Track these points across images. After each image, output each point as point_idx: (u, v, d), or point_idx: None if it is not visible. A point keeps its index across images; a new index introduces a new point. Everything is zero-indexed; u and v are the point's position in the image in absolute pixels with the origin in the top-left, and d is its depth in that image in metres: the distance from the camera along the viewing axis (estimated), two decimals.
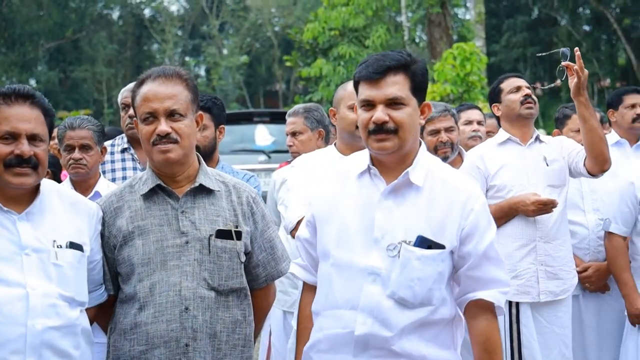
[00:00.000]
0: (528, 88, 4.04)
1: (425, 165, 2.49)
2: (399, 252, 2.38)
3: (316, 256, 2.60)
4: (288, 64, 17.90)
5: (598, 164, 3.73)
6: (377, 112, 2.40)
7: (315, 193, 2.63)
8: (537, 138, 4.05)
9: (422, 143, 2.55)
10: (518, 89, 4.09)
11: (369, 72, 2.42)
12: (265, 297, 2.83)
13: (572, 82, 3.61)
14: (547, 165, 3.92)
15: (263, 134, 9.72)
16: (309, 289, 2.67)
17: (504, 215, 3.87)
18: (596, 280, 4.23)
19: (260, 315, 2.81)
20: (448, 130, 4.24)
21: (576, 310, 4.16)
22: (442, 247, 2.40)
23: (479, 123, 4.97)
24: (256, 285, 2.76)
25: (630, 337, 3.98)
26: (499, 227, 3.87)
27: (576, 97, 3.65)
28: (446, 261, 2.44)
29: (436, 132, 4.25)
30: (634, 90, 5.55)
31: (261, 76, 40.14)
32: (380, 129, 2.40)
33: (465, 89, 12.33)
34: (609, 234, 4.06)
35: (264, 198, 3.51)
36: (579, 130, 4.17)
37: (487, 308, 2.47)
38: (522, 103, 3.99)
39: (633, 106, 5.10)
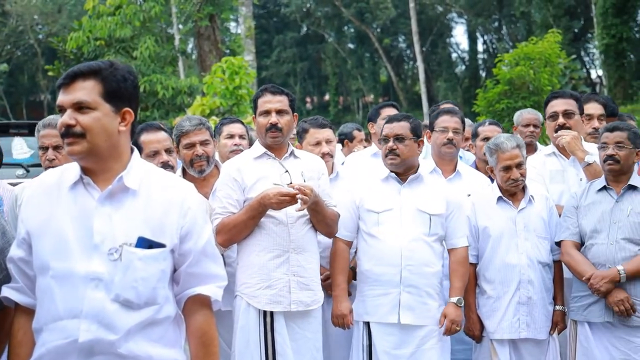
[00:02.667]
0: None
1: (140, 169, 2.53)
2: (120, 255, 2.40)
3: (33, 274, 2.51)
4: (51, 73, 17.01)
5: None
6: (64, 116, 2.44)
7: (26, 210, 2.55)
8: (292, 153, 4.14)
9: (135, 149, 2.58)
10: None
11: (62, 78, 2.47)
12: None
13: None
14: (304, 180, 4.02)
15: (21, 147, 9.16)
16: (23, 312, 2.56)
17: (257, 214, 3.91)
18: None
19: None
20: (203, 143, 4.25)
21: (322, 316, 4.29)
22: (162, 246, 2.47)
23: (241, 137, 5.00)
24: None
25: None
26: (253, 236, 3.98)
27: None
28: (168, 260, 2.50)
29: (191, 145, 4.24)
30: (390, 104, 5.91)
31: (23, 85, 37.91)
32: (67, 133, 2.43)
33: (234, 102, 12.45)
34: (334, 238, 4.27)
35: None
36: (316, 143, 4.55)
37: (204, 303, 2.57)
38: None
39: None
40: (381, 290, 4.12)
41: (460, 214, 4.24)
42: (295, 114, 4.18)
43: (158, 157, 4.16)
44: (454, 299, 4.15)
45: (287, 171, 3.92)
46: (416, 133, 4.21)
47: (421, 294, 4.10)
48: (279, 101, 4.07)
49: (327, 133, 4.69)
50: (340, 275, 4.22)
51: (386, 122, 4.31)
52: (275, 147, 4.08)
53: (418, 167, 4.26)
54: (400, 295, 4.08)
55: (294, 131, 4.88)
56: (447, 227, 4.21)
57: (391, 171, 4.23)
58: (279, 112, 4.05)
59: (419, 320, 4.10)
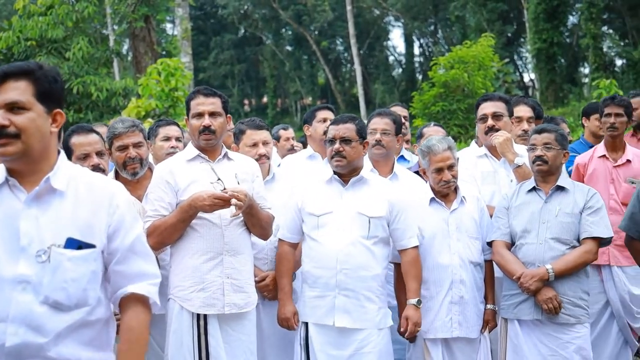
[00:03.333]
0: None
1: (67, 170, 2.52)
2: (49, 256, 2.38)
3: None
4: None
5: None
6: None
7: None
8: (226, 155, 4.13)
9: (61, 151, 2.57)
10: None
11: None
12: None
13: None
14: (238, 182, 4.00)
15: None
16: None
17: (187, 216, 3.88)
18: (273, 289, 4.38)
19: None
20: (136, 145, 4.20)
21: (256, 318, 4.28)
22: (92, 246, 2.46)
23: (177, 139, 4.96)
24: None
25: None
26: (186, 238, 3.95)
27: None
28: (98, 260, 2.49)
29: (124, 147, 4.19)
30: (325, 107, 5.94)
31: None
32: (0, 134, 2.39)
33: (170, 104, 12.32)
34: (279, 240, 4.27)
35: None
36: (253, 145, 4.54)
37: (138, 301, 2.56)
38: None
39: (324, 120, 5.46)
40: (318, 293, 4.13)
41: (407, 214, 4.24)
42: (229, 115, 4.17)
43: (89, 159, 4.09)
44: (413, 301, 4.17)
45: (219, 179, 3.89)
46: (361, 135, 4.24)
47: (359, 298, 4.10)
48: (212, 103, 4.04)
49: (264, 135, 4.67)
50: (284, 278, 4.23)
51: (332, 124, 4.31)
52: (209, 150, 4.06)
53: (361, 169, 4.28)
54: (336, 299, 4.09)
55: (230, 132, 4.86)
56: (396, 229, 4.21)
57: (335, 173, 4.24)
58: (212, 114, 4.02)
59: (356, 323, 4.10)
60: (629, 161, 5.29)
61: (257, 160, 4.40)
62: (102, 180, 2.61)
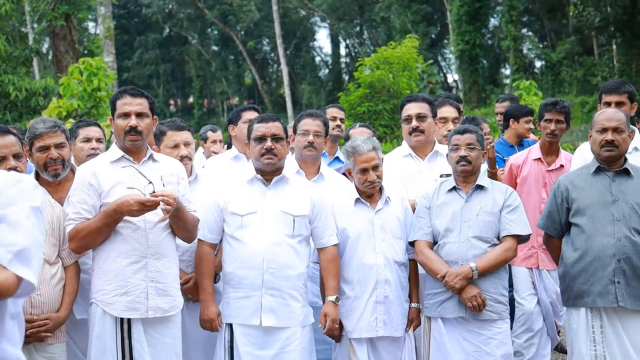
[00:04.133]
0: None
1: None
2: None
3: None
4: None
5: None
6: None
7: None
8: (151, 157, 4.09)
9: None
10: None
11: None
12: None
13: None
14: (163, 185, 3.96)
15: None
16: None
17: (112, 221, 3.83)
18: (196, 291, 4.34)
19: None
20: (58, 146, 4.11)
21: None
22: None
23: (98, 140, 4.86)
24: None
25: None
26: (109, 241, 3.88)
27: None
28: None
29: (45, 148, 4.09)
30: (251, 107, 5.92)
31: None
32: None
33: (93, 105, 12.05)
34: (198, 241, 4.25)
35: None
36: (175, 146, 4.51)
37: None
38: None
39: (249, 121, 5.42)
40: (243, 293, 4.11)
41: (327, 213, 4.29)
42: (155, 117, 4.11)
43: (5, 162, 3.96)
44: (332, 298, 4.22)
45: (150, 182, 3.82)
46: (286, 134, 4.26)
47: (284, 297, 4.11)
48: (139, 104, 3.99)
49: (185, 135, 4.62)
50: (205, 279, 4.19)
51: (258, 122, 4.28)
52: (134, 151, 4.00)
53: (283, 168, 4.28)
54: (262, 298, 4.09)
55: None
56: (316, 227, 4.25)
57: (257, 172, 4.23)
58: (139, 114, 3.97)
59: (282, 322, 4.11)
60: (562, 166, 5.41)
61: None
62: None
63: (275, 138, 4.18)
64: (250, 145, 4.27)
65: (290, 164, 4.63)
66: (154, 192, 3.77)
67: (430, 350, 4.39)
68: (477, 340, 4.31)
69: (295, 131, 4.85)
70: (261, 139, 4.20)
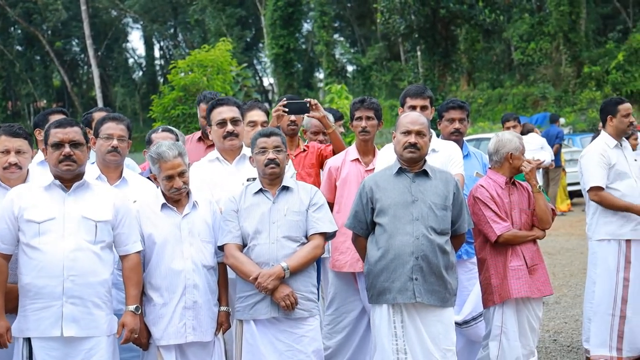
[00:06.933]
0: None
1: None
2: None
3: None
4: None
5: None
6: None
7: None
8: None
9: None
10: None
11: None
12: None
13: None
14: None
15: None
16: None
17: None
18: None
19: None
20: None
21: None
22: None
23: None
24: None
25: None
26: None
27: None
28: None
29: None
30: (59, 110, 5.64)
31: None
32: None
33: None
34: None
35: None
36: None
37: None
38: None
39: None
40: (42, 304, 3.93)
41: (130, 219, 4.21)
42: None
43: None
44: (131, 307, 4.12)
45: None
46: (87, 138, 4.14)
47: (87, 305, 3.98)
48: None
49: (19, 143, 4.41)
50: None
51: (55, 127, 4.10)
52: None
53: (84, 174, 4.15)
54: (63, 308, 3.93)
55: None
56: (119, 234, 4.15)
57: (56, 178, 4.07)
58: None
59: (84, 332, 3.97)
60: None
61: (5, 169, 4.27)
62: None
63: (74, 144, 4.04)
64: (47, 151, 4.09)
65: (90, 169, 4.48)
66: None
67: (243, 353, 4.40)
68: (289, 339, 4.37)
69: (96, 135, 4.69)
70: (59, 145, 4.03)
